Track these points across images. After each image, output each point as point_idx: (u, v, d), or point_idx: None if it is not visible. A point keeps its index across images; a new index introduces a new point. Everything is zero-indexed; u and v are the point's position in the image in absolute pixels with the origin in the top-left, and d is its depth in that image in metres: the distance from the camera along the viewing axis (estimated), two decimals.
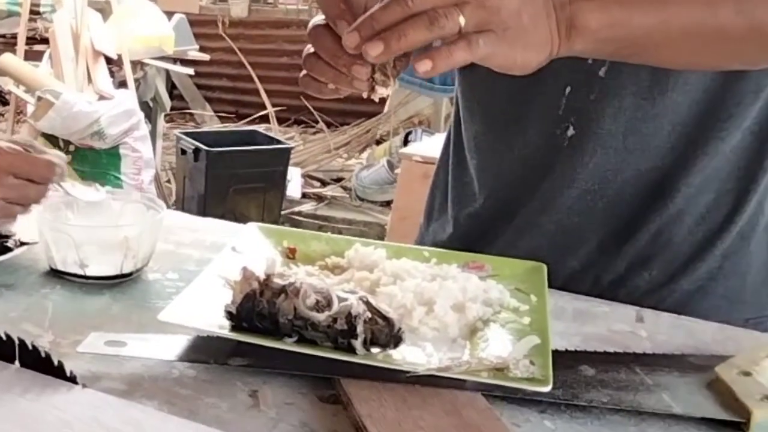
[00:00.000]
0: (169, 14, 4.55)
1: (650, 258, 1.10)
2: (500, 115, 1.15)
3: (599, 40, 0.86)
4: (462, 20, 0.78)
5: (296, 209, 4.55)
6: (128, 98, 3.85)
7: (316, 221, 4.39)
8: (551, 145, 1.09)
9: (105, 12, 4.18)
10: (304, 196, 4.73)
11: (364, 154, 5.26)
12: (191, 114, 6.23)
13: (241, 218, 1.14)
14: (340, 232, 3.88)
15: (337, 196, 4.81)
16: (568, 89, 1.07)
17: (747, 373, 0.82)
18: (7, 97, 4.80)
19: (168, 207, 1.14)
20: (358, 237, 1.12)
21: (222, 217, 1.31)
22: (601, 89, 1.05)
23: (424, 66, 0.79)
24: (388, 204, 4.33)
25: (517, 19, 0.80)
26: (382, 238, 3.48)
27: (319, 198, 4.77)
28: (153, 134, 4.26)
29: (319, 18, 0.87)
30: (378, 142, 5.25)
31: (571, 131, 1.07)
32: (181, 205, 4.23)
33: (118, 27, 4.06)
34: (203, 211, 3.87)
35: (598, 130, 1.06)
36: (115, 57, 4.00)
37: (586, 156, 1.07)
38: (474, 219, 1.19)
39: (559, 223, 1.11)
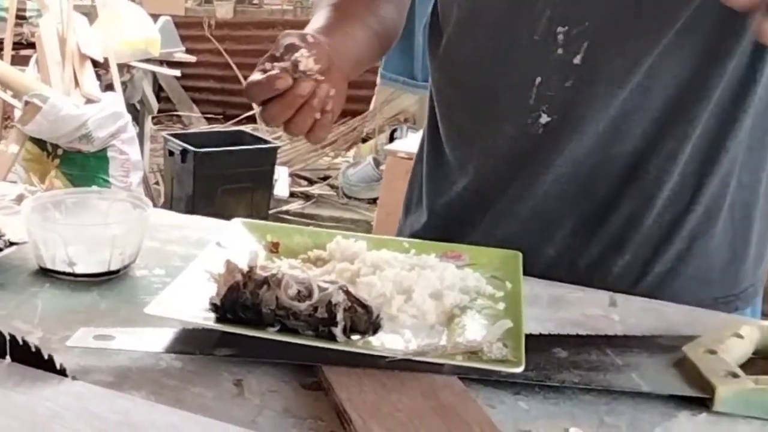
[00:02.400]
0: (155, 17, 4.57)
1: (623, 242, 1.13)
2: (474, 108, 1.18)
3: None
4: None
5: (284, 208, 4.57)
6: (115, 101, 3.86)
7: (304, 220, 4.41)
8: (525, 134, 1.12)
9: (91, 16, 4.19)
10: (292, 195, 4.75)
11: (351, 152, 5.28)
12: (178, 116, 6.24)
13: (229, 218, 1.16)
14: None
15: (324, 194, 4.83)
16: (538, 79, 1.09)
17: (712, 352, 0.85)
18: None
19: (157, 208, 1.16)
20: None
21: (211, 217, 1.33)
22: (577, 76, 1.08)
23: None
24: (375, 201, 4.35)
25: None
26: None
27: (307, 197, 4.79)
28: (140, 136, 4.27)
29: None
30: (364, 140, 5.28)
31: (544, 119, 1.10)
32: (170, 206, 4.25)
33: (104, 30, 4.07)
34: (192, 212, 3.86)
35: (574, 116, 1.09)
36: (101, 60, 4.01)
37: (561, 143, 1.10)
38: (450, 208, 1.22)
39: (534, 209, 1.14)
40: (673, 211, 1.12)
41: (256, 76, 0.94)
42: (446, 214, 1.23)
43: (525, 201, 1.14)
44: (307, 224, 4.25)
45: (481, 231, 1.17)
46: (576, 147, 1.10)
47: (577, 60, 1.07)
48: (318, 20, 1.10)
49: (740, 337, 0.89)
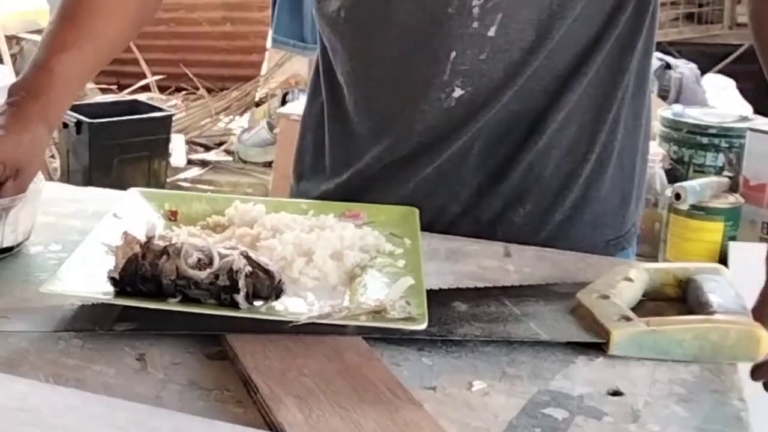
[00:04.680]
0: None
1: (524, 194, 1.15)
2: (382, 81, 1.17)
3: None
4: None
5: (181, 176, 4.51)
6: (4, 74, 3.74)
7: (202, 186, 4.36)
8: (438, 108, 1.12)
9: None
10: (189, 162, 4.69)
11: (245, 117, 5.24)
12: None
13: (127, 189, 1.14)
14: None
15: (221, 160, 4.78)
16: (453, 54, 1.09)
17: (605, 297, 0.88)
18: None
19: (53, 182, 1.13)
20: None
21: (109, 188, 1.31)
22: (491, 48, 1.09)
23: None
24: (270, 164, 4.33)
25: None
26: None
27: (204, 163, 4.74)
28: None
29: None
30: (257, 105, 5.24)
31: (458, 92, 1.11)
32: (66, 179, 4.14)
33: None
34: (89, 184, 3.77)
35: (486, 88, 1.10)
36: None
37: (474, 113, 1.12)
38: (358, 174, 1.21)
39: (441, 170, 1.15)
40: (570, 160, 1.15)
41: None
42: (352, 180, 1.22)
43: (433, 164, 1.15)
44: (206, 191, 4.20)
45: (385, 193, 1.17)
46: (486, 114, 1.12)
47: (491, 32, 1.08)
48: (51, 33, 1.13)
49: (630, 280, 0.92)
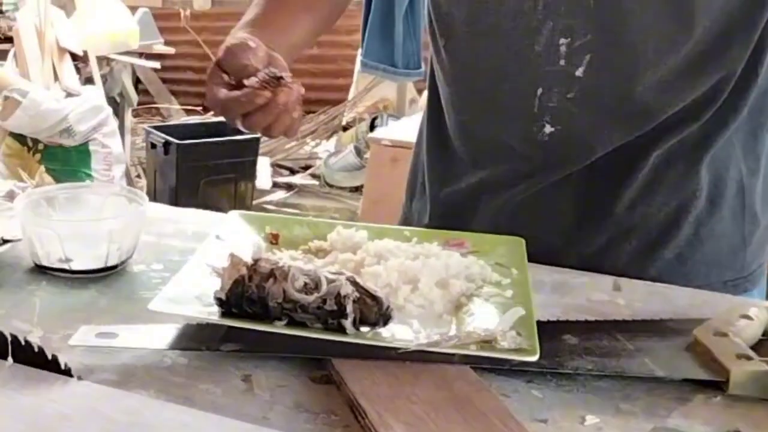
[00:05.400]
0: (133, 8, 4.53)
1: (630, 230, 1.13)
2: (478, 109, 1.17)
3: None
4: None
5: (266, 198, 4.56)
6: (95, 94, 3.83)
7: (287, 210, 4.40)
8: (532, 140, 1.11)
9: (67, 9, 4.15)
10: (275, 185, 4.73)
11: (331, 141, 5.28)
12: (157, 108, 6.19)
13: (213, 210, 1.15)
14: None
15: (306, 183, 4.82)
16: (539, 90, 1.09)
17: (723, 334, 0.85)
18: None
19: (150, 202, 1.14)
20: None
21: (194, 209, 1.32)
22: (580, 88, 1.07)
23: None
24: (357, 189, 4.34)
25: None
26: None
27: (289, 186, 4.78)
28: (121, 129, 4.24)
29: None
30: (344, 129, 5.27)
31: (548, 128, 1.10)
32: (153, 199, 4.18)
33: (82, 23, 4.04)
34: (175, 205, 3.85)
35: (578, 128, 1.09)
36: (80, 53, 3.98)
37: (569, 151, 1.11)
38: (456, 198, 1.21)
39: (537, 197, 1.14)
40: (676, 198, 1.12)
41: (223, 92, 1.00)
42: (451, 204, 1.22)
43: (530, 192, 1.14)
44: (292, 215, 4.24)
45: (481, 218, 1.16)
46: (581, 152, 1.10)
47: (579, 72, 1.07)
48: (250, 13, 1.15)
49: (749, 318, 0.89)
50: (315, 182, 4.83)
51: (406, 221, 1.29)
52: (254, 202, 4.35)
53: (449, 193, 1.22)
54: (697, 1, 1.02)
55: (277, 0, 1.18)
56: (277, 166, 4.96)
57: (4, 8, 4.52)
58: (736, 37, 1.05)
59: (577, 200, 1.13)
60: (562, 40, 1.06)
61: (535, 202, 1.14)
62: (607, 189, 1.12)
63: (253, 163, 4.30)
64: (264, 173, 4.61)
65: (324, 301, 0.82)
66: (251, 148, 4.29)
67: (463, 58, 1.18)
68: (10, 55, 3.89)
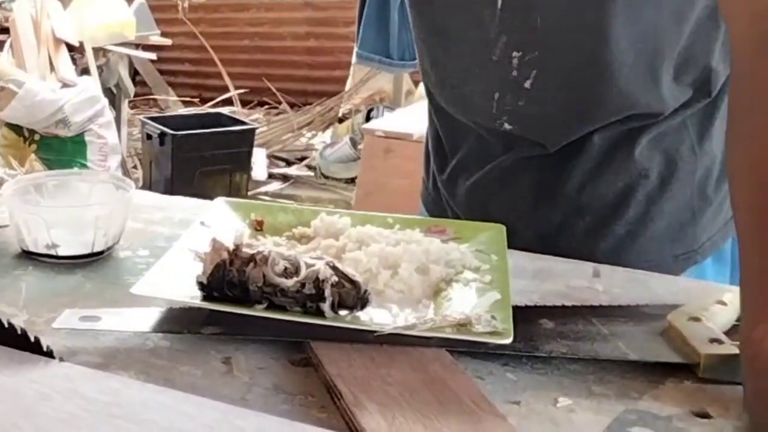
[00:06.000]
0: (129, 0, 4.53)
1: (581, 208, 1.18)
2: (451, 104, 1.25)
3: None
4: None
5: (262, 189, 4.57)
6: (91, 85, 3.84)
7: (283, 201, 4.41)
8: (494, 130, 1.19)
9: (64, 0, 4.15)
10: (270, 176, 4.74)
11: (327, 133, 5.28)
12: (155, 100, 6.20)
13: (208, 200, 1.16)
14: None
15: (302, 175, 4.83)
16: (496, 95, 1.15)
17: (696, 319, 0.86)
18: None
19: (139, 190, 1.16)
20: None
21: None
22: (529, 99, 1.13)
23: None
24: (352, 180, 4.35)
25: None
26: None
27: (285, 178, 4.79)
28: (117, 120, 4.25)
29: None
30: (340, 120, 5.27)
31: (507, 126, 1.16)
32: (148, 189, 4.21)
33: (79, 14, 4.04)
34: (171, 195, 3.86)
35: (531, 127, 1.16)
36: (76, 44, 3.98)
37: (523, 141, 1.18)
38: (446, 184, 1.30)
39: (499, 176, 1.22)
40: (622, 179, 1.17)
41: None
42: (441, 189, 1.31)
43: (495, 175, 1.22)
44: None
45: (461, 204, 1.25)
46: (537, 146, 1.17)
47: (527, 84, 1.12)
48: None
49: (723, 304, 0.90)
50: (311, 173, 4.85)
51: (425, 204, 1.38)
52: (250, 193, 4.36)
53: (442, 181, 1.31)
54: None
55: None
56: (272, 158, 4.97)
57: None
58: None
59: (532, 182, 1.19)
60: (515, 53, 1.12)
61: (500, 184, 1.21)
62: (559, 172, 1.18)
63: (249, 154, 4.31)
64: (260, 164, 4.62)
65: (303, 285, 0.83)
66: (247, 139, 4.30)
67: (434, 55, 1.24)
68: (6, 45, 3.89)
